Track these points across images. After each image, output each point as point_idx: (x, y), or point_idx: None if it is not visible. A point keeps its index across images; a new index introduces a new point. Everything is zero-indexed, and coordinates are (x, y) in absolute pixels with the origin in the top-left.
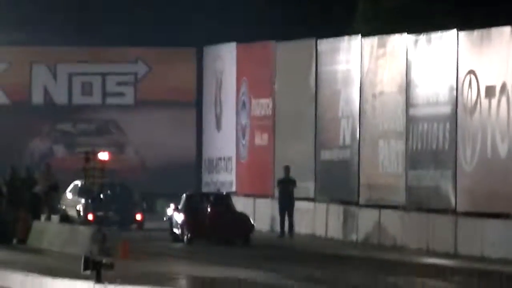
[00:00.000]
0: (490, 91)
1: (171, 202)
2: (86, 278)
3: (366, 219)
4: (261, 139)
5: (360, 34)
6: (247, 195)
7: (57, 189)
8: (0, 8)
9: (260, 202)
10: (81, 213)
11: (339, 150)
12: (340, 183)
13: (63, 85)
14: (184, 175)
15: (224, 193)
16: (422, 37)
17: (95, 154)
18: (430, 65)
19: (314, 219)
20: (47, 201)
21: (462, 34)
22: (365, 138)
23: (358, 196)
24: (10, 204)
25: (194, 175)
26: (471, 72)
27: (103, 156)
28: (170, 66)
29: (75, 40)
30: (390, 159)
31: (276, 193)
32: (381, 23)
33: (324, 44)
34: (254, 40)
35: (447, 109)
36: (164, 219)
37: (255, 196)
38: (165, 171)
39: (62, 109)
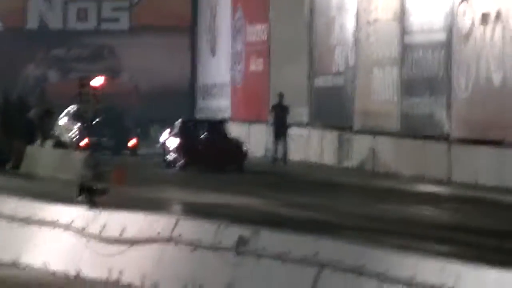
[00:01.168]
0: (485, 18)
1: (165, 128)
2: (79, 203)
3: (360, 146)
4: (256, 65)
5: None
6: (242, 121)
7: (51, 115)
8: None
9: (255, 127)
10: (75, 139)
11: (333, 77)
12: (334, 109)
13: (58, 11)
14: (179, 101)
15: (219, 119)
16: None
17: (89, 79)
18: None
19: (308, 145)
20: (41, 126)
21: None
22: (359, 65)
23: (353, 122)
24: (3, 132)
25: (189, 101)
26: None
27: (97, 81)
28: None
29: None
30: (385, 86)
31: (271, 119)
32: None
33: None
34: None
35: (442, 36)
36: (158, 145)
37: (250, 122)
38: (159, 97)
39: (57, 34)
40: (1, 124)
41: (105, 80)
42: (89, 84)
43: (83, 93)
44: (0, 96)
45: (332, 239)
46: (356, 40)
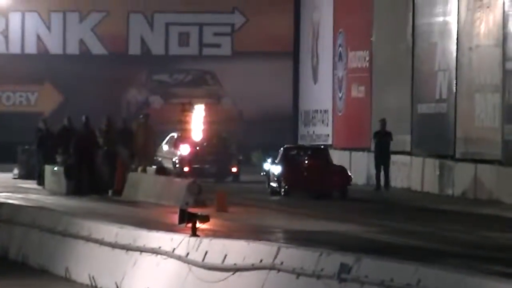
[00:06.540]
0: None
1: (267, 153)
2: (182, 230)
3: (462, 173)
4: (358, 92)
5: None
6: (343, 148)
7: (154, 140)
8: None
9: (357, 155)
10: (177, 165)
11: (435, 104)
12: (436, 136)
13: (160, 35)
14: (281, 127)
15: (322, 146)
16: None
17: (192, 105)
18: None
19: (410, 172)
20: (144, 152)
21: None
22: (461, 92)
23: (455, 150)
24: (106, 155)
25: (290, 127)
26: None
27: (200, 107)
28: (267, 17)
29: None
30: (487, 113)
31: (373, 146)
32: None
33: None
34: None
35: None
36: (262, 173)
37: (351, 149)
38: (261, 123)
39: (159, 59)
40: (106, 152)
41: (207, 105)
42: (191, 109)
43: (185, 119)
44: (104, 120)
45: (434, 266)
46: (458, 66)
